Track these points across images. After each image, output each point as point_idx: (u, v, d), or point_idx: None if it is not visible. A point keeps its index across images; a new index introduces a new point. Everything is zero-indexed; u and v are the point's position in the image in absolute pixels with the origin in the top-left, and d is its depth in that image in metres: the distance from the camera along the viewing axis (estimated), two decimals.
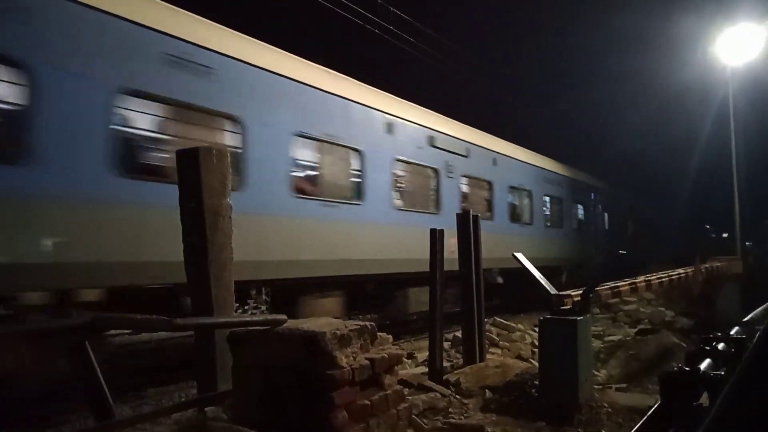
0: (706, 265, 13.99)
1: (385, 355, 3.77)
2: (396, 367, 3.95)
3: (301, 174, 8.77)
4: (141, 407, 5.97)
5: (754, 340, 1.34)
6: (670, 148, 40.70)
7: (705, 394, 2.41)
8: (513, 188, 15.21)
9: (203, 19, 7.55)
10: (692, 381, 2.38)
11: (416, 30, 18.20)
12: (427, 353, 7.20)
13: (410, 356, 8.43)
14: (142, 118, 6.56)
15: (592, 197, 21.70)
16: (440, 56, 20.00)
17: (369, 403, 3.59)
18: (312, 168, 8.98)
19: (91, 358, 2.88)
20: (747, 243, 21.03)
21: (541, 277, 6.64)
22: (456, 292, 8.68)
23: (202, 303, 4.19)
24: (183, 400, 5.85)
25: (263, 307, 7.59)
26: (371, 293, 10.33)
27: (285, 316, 3.66)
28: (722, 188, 22.79)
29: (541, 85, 45.94)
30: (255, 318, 3.82)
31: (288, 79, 8.27)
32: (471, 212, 7.66)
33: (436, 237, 7.05)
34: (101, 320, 3.07)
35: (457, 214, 7.78)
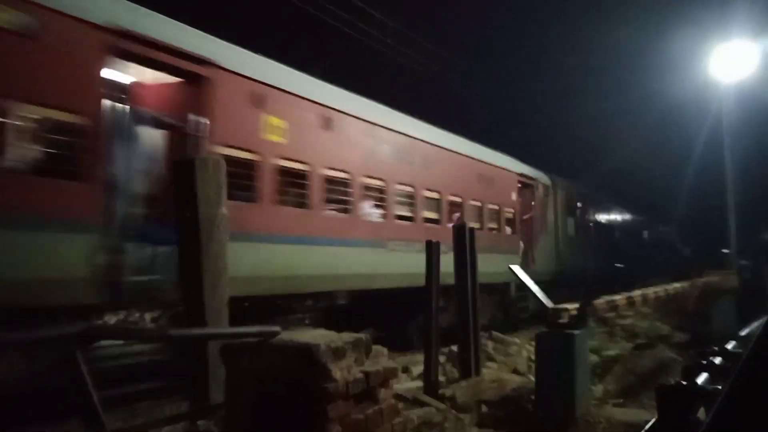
0: (702, 279, 13.97)
1: (380, 368, 3.73)
2: (391, 381, 3.91)
3: None
4: (133, 419, 5.90)
5: (744, 354, 1.33)
6: (666, 162, 40.83)
7: (702, 408, 2.39)
8: None
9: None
10: (689, 395, 2.36)
11: (415, 43, 18.30)
12: (423, 367, 7.15)
13: (405, 370, 8.37)
14: None
15: None
16: (438, 69, 20.08)
17: (363, 417, 3.54)
18: None
19: (82, 369, 2.84)
20: (742, 262, 20.93)
21: (539, 290, 6.62)
22: None
23: (196, 314, 4.16)
24: (175, 412, 5.79)
25: None
26: None
27: (279, 328, 3.62)
28: (718, 202, 22.81)
29: (538, 98, 46.21)
30: (249, 329, 3.78)
31: None
32: (467, 225, 7.65)
33: (433, 250, 7.04)
34: (93, 330, 3.03)
35: (453, 227, 7.77)
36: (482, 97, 26.34)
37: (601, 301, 7.63)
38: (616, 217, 26.54)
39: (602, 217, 24.41)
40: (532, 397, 6.15)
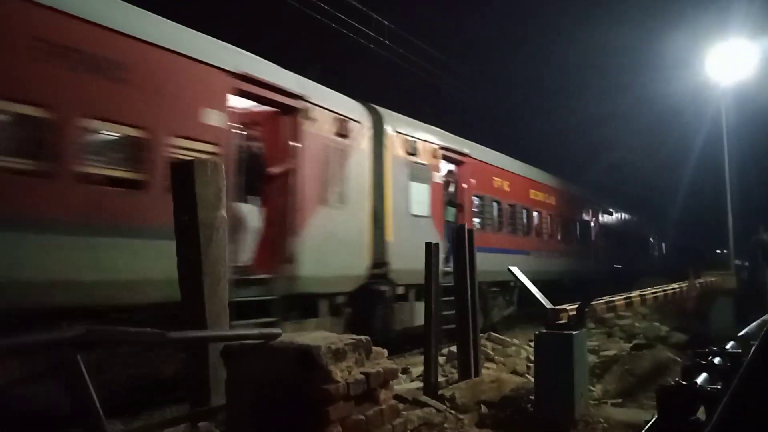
0: (700, 280, 14.01)
1: (380, 369, 3.74)
2: (391, 382, 3.92)
3: None
4: (133, 422, 5.90)
5: (749, 356, 1.34)
6: (664, 163, 40.96)
7: (702, 409, 2.40)
8: None
9: None
10: (689, 395, 2.37)
11: (411, 44, 18.31)
12: (422, 368, 7.16)
13: (405, 371, 8.38)
14: None
15: None
16: (435, 70, 20.11)
17: (364, 418, 3.55)
18: None
19: (83, 373, 2.84)
20: (737, 261, 20.88)
21: (537, 291, 6.63)
22: None
23: (196, 317, 4.16)
24: (175, 415, 5.79)
25: None
26: None
27: (279, 330, 3.63)
28: (715, 203, 22.85)
29: (536, 98, 46.32)
30: (249, 331, 3.79)
31: None
32: (466, 227, 7.67)
33: (432, 251, 7.05)
34: (94, 333, 3.03)
35: (453, 228, 7.79)
36: (479, 97, 26.35)
37: (599, 302, 7.65)
38: (538, 196, 18.08)
39: (508, 195, 15.81)
40: (532, 398, 6.16)
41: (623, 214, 28.87)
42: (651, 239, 34.70)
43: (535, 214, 17.94)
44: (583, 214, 22.92)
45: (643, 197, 37.70)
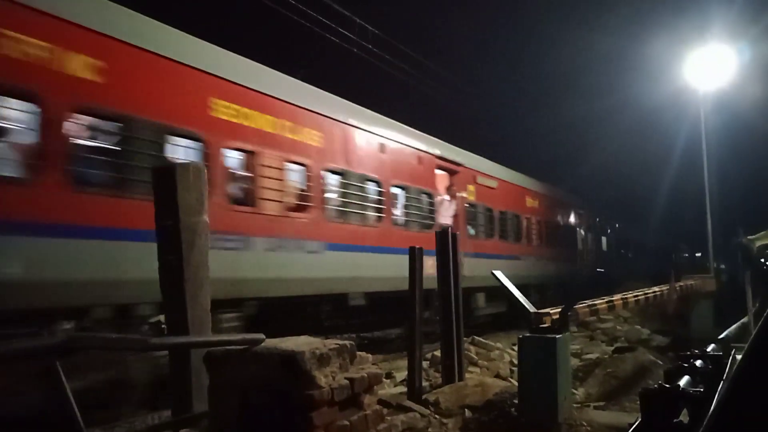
0: (681, 283, 14.15)
1: (365, 374, 3.73)
2: (375, 387, 3.91)
3: None
4: (113, 429, 5.83)
5: (739, 360, 1.35)
6: (644, 167, 41.34)
7: (684, 411, 2.42)
8: None
9: None
10: (672, 398, 2.39)
11: (394, 49, 18.35)
12: (406, 373, 7.15)
13: (389, 376, 8.37)
14: None
15: None
16: (418, 75, 20.17)
17: (348, 423, 3.53)
18: None
19: (63, 381, 2.79)
20: (716, 264, 21.08)
21: (521, 295, 6.65)
22: None
23: (178, 322, 4.12)
24: (157, 422, 5.72)
25: None
26: None
27: (263, 335, 3.60)
28: (695, 207, 23.07)
29: (516, 102, 46.62)
30: (232, 337, 3.76)
31: None
32: (450, 230, 7.67)
33: (416, 255, 7.04)
34: (75, 340, 2.99)
35: (436, 232, 7.79)
36: (461, 101, 26.46)
37: (582, 305, 7.70)
38: (313, 138, 9.44)
39: (233, 131, 7.96)
40: (515, 402, 6.17)
41: (537, 195, 20.02)
42: (582, 231, 25.27)
43: (298, 167, 9.22)
44: (443, 185, 14.00)
45: (613, 195, 36.74)
